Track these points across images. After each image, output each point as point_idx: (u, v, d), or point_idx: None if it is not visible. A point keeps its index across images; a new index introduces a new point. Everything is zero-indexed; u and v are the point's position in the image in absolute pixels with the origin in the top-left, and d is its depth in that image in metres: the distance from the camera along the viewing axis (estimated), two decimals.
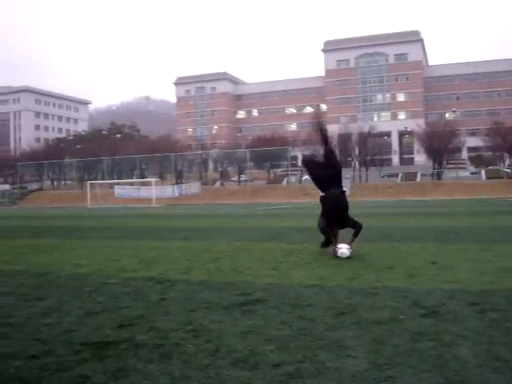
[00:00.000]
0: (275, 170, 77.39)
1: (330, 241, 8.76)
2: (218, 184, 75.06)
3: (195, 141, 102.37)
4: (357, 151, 73.53)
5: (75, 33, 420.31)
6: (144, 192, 59.33)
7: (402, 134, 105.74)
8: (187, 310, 4.76)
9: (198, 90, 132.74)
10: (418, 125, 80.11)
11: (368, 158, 72.35)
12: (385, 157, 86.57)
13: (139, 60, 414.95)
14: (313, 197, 33.23)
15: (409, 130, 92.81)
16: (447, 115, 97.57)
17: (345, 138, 76.09)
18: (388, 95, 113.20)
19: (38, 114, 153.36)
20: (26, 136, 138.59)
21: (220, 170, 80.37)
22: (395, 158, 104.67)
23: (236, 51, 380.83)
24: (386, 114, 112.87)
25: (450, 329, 3.92)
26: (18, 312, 4.89)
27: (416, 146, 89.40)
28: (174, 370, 3.15)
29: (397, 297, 5.10)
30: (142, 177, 70.72)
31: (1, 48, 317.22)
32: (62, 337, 3.98)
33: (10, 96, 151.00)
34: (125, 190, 62.55)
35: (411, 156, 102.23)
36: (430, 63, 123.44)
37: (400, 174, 72.09)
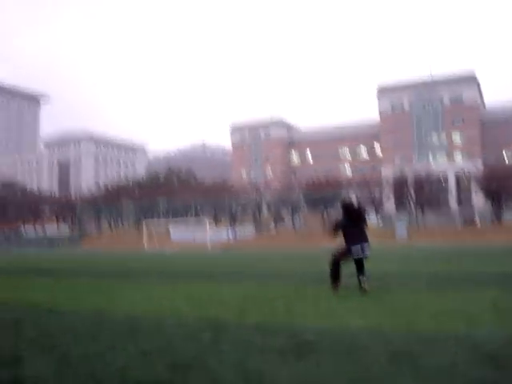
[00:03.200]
0: (329, 213, 76.90)
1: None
2: (271, 227, 75.08)
3: (249, 185, 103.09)
4: (412, 193, 72.42)
5: (135, 81, 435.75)
6: (199, 235, 59.92)
7: (458, 176, 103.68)
8: (240, 353, 4.73)
9: (252, 135, 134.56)
10: (475, 166, 78.43)
11: (424, 200, 71.03)
12: (441, 199, 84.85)
13: (196, 107, 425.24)
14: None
15: (466, 171, 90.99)
16: (505, 156, 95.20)
17: (400, 181, 75.27)
18: (444, 137, 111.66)
19: (97, 160, 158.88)
20: (86, 180, 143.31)
21: (274, 213, 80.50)
22: (452, 200, 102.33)
23: (290, 96, 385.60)
24: (441, 156, 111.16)
25: (511, 376, 3.76)
26: (75, 350, 4.97)
27: (474, 188, 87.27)
28: None
29: (456, 343, 4.93)
30: (198, 220, 71.53)
31: (63, 96, 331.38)
32: (116, 375, 4.02)
33: (72, 142, 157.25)
34: (180, 233, 63.37)
35: (469, 198, 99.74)
36: (487, 104, 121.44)
37: (458, 217, 70.32)
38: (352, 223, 9.82)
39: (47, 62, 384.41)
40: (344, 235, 9.81)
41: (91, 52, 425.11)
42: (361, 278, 9.40)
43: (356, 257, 9.46)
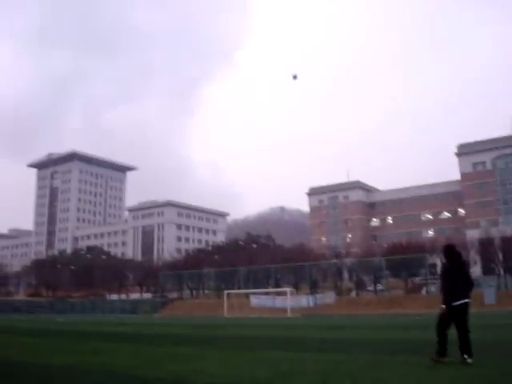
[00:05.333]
0: (413, 279, 74.48)
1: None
2: (353, 293, 73.38)
3: (329, 249, 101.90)
4: (501, 257, 69.08)
5: (213, 151, 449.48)
6: (279, 302, 59.33)
7: None
8: None
9: (330, 199, 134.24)
10: None
11: None
12: None
13: (274, 173, 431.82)
14: None
15: None
16: None
17: (486, 243, 72.19)
18: None
19: (179, 226, 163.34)
20: (168, 247, 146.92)
21: (355, 278, 78.82)
22: None
23: (367, 159, 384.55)
24: None
25: None
26: None
27: None
28: None
29: None
30: (277, 286, 71.01)
31: (146, 169, 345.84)
32: None
33: (155, 210, 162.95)
34: (260, 300, 62.96)
35: None
36: None
37: None
38: (456, 271, 8.88)
39: (133, 133, 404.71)
40: (444, 288, 8.96)
41: (174, 124, 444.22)
42: (465, 356, 8.40)
43: (455, 305, 8.50)
